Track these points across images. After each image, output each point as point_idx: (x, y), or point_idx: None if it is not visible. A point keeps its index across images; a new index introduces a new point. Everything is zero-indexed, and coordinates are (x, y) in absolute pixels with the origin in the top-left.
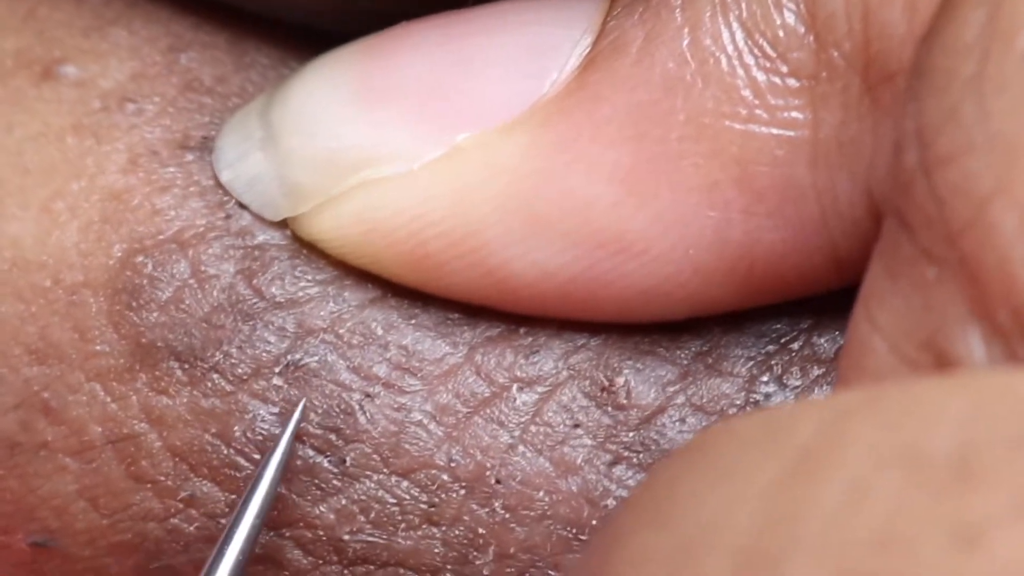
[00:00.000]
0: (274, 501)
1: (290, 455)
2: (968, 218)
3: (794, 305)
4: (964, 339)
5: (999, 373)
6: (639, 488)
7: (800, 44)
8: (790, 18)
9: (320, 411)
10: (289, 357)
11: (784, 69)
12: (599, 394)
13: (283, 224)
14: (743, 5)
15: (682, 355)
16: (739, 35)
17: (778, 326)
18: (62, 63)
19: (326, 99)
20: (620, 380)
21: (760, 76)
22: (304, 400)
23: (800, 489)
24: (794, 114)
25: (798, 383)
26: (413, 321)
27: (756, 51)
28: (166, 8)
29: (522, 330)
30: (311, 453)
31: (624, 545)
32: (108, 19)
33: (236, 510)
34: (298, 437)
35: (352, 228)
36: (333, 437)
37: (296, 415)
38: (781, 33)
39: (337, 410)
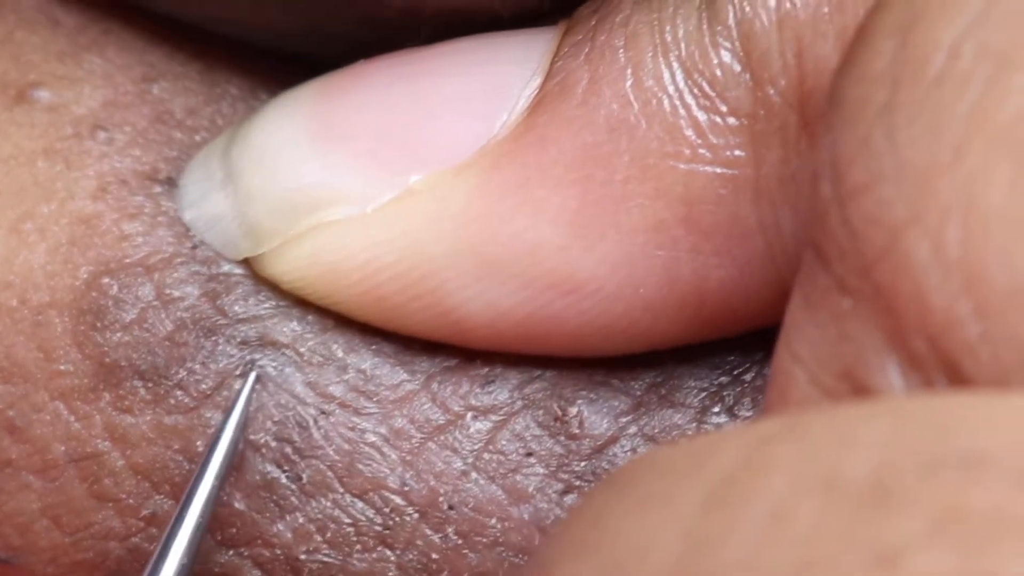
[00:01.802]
0: (226, 476)
1: (243, 440)
2: (881, 248)
3: (749, 337)
4: (881, 369)
5: (915, 397)
6: (567, 517)
7: (737, 82)
8: (726, 57)
9: (275, 420)
10: (248, 357)
11: (723, 108)
12: (552, 424)
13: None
14: (682, 44)
15: (636, 386)
16: (679, 75)
17: (731, 357)
18: (36, 87)
19: (283, 140)
20: (573, 410)
21: (701, 116)
22: (255, 371)
23: (722, 515)
24: (736, 152)
25: (749, 414)
26: (373, 347)
27: (696, 90)
28: (141, 35)
29: (479, 360)
30: (269, 467)
31: (552, 574)
32: (83, 45)
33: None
34: (256, 448)
35: (309, 270)
36: (289, 450)
37: (250, 380)
38: (719, 72)
39: (292, 422)
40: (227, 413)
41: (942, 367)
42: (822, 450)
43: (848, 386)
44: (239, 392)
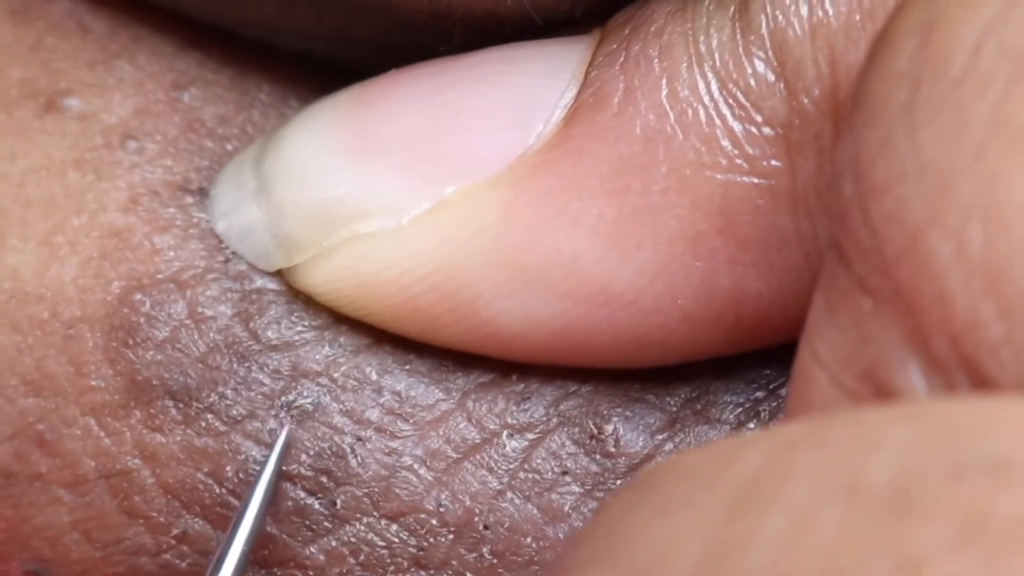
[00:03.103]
0: (260, 532)
1: (277, 485)
2: (902, 248)
3: (785, 350)
4: (902, 370)
5: (938, 402)
6: (590, 523)
7: (772, 92)
8: (760, 66)
9: (312, 453)
10: (283, 399)
11: (759, 118)
12: (588, 441)
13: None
14: (716, 54)
15: (671, 402)
16: (714, 85)
17: (768, 371)
18: (66, 95)
19: (316, 150)
20: (609, 428)
21: (736, 126)
22: (287, 428)
23: (745, 521)
24: (772, 162)
25: None
26: (407, 367)
27: (731, 100)
28: (171, 42)
29: (514, 376)
30: (302, 494)
31: None
32: (113, 52)
33: (222, 543)
34: (290, 478)
35: (344, 281)
36: (324, 479)
37: (280, 440)
38: (753, 82)
39: (329, 452)
40: (264, 459)
41: (964, 368)
42: (845, 456)
43: (869, 387)
44: (275, 442)
